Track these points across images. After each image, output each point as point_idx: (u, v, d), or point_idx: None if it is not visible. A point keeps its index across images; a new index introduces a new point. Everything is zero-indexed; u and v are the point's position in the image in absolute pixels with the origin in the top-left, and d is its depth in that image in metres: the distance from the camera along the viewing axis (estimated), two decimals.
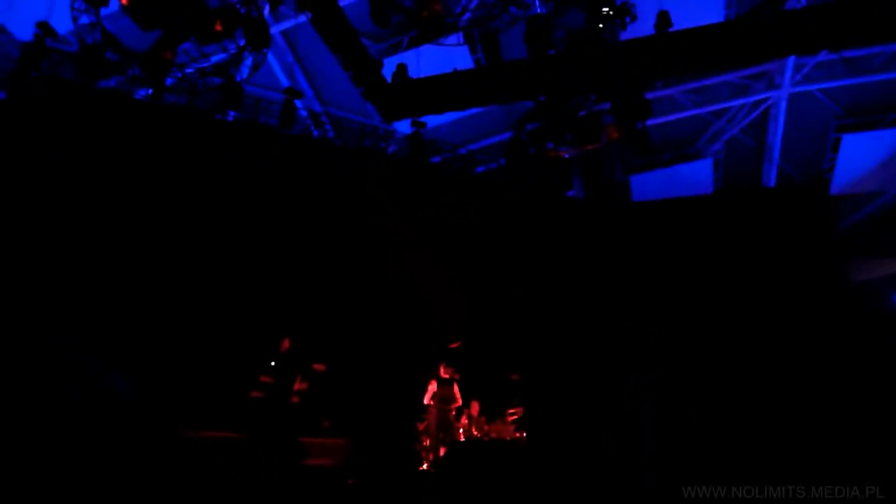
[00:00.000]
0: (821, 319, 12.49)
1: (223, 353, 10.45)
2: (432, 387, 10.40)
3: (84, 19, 11.39)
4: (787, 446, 7.45)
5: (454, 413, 10.38)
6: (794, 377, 11.45)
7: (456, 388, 10.53)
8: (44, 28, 11.63)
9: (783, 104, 15.46)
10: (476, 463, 8.66)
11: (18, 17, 13.07)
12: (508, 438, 10.67)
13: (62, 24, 12.06)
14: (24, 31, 12.63)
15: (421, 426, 10.41)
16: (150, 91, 12.04)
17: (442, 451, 9.81)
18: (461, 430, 10.34)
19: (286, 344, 10.46)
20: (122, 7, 11.05)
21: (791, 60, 14.53)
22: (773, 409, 9.72)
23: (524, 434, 10.89)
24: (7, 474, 6.62)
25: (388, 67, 12.10)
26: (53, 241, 10.39)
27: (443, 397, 10.33)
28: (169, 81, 12.19)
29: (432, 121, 13.95)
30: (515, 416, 11.15)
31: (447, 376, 10.49)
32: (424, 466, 10.04)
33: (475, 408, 10.75)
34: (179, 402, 9.22)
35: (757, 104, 15.63)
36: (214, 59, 12.86)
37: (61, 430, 7.66)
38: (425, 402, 10.38)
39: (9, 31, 13.46)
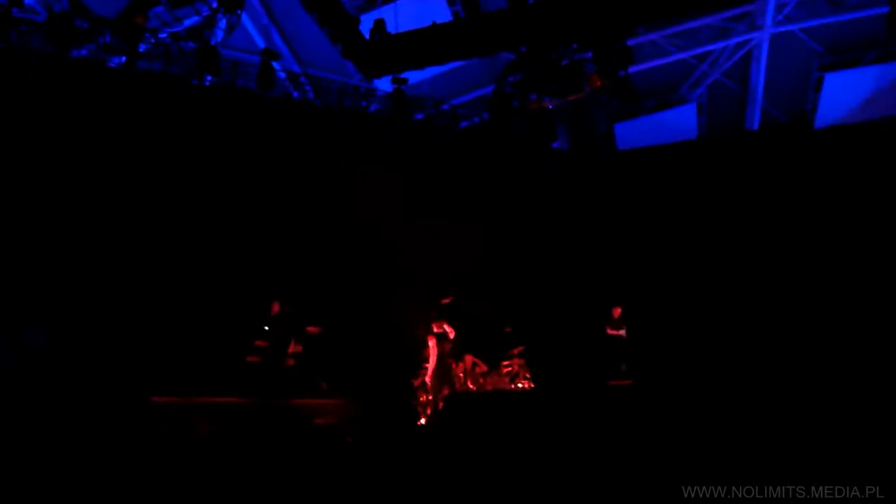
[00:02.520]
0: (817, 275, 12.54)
1: (216, 321, 10.47)
2: (432, 342, 10.50)
3: None
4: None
5: (452, 367, 10.50)
6: (790, 349, 11.49)
7: (451, 342, 10.64)
8: None
9: (765, 45, 15.33)
10: (473, 414, 8.79)
11: None
12: (503, 390, 10.83)
13: None
14: None
15: (416, 382, 10.53)
16: (124, 58, 11.78)
17: (440, 406, 9.95)
18: (457, 384, 10.48)
19: (276, 308, 10.50)
20: None
21: (772, 0, 14.37)
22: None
23: (519, 385, 11.05)
24: None
25: (366, 24, 11.86)
26: (30, 212, 10.28)
27: (441, 352, 10.44)
28: (142, 48, 11.91)
29: (413, 77, 13.73)
30: (509, 369, 11.29)
31: (442, 330, 10.58)
32: (422, 421, 10.20)
33: (468, 361, 10.87)
34: (175, 369, 9.27)
35: (739, 46, 15.50)
36: (188, 22, 12.55)
37: None
38: (426, 354, 10.50)
39: None
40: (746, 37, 15.24)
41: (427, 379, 10.43)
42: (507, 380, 11.15)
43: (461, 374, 10.65)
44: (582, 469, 7.11)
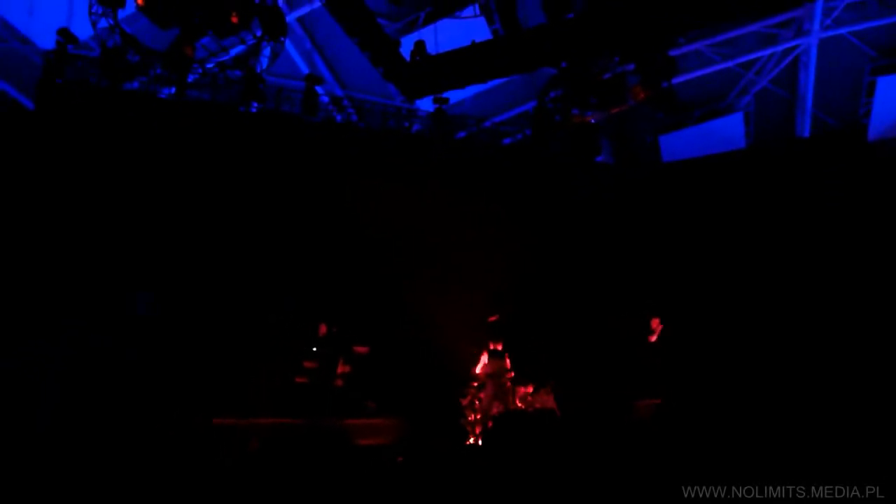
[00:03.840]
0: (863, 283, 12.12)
1: (265, 342, 10.61)
2: (484, 358, 10.42)
3: (103, 23, 11.52)
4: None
5: (508, 385, 10.38)
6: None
7: (507, 361, 10.53)
8: (65, 35, 11.76)
9: (813, 51, 14.97)
10: (522, 434, 8.67)
11: (39, 26, 13.29)
12: (551, 408, 10.64)
13: (82, 29, 12.21)
14: (45, 40, 12.84)
15: (464, 401, 10.44)
16: (174, 89, 12.16)
17: (489, 425, 9.84)
18: (508, 403, 10.35)
19: (324, 329, 10.58)
20: (139, 7, 11.15)
21: (820, 4, 14.03)
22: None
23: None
24: None
25: (406, 46, 12.02)
26: (89, 241, 10.61)
27: (495, 370, 10.33)
28: (191, 78, 12.29)
29: (454, 96, 13.84)
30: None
31: (498, 348, 10.49)
32: (471, 441, 10.10)
33: (530, 387, 10.72)
34: (227, 391, 9.41)
35: (786, 52, 15.16)
36: (234, 51, 12.91)
37: None
38: (478, 372, 10.42)
39: (31, 41, 13.69)
40: (794, 43, 14.91)
41: (477, 399, 10.33)
42: (553, 398, 10.96)
43: (511, 395, 10.51)
44: (621, 482, 7.02)
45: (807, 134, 15.89)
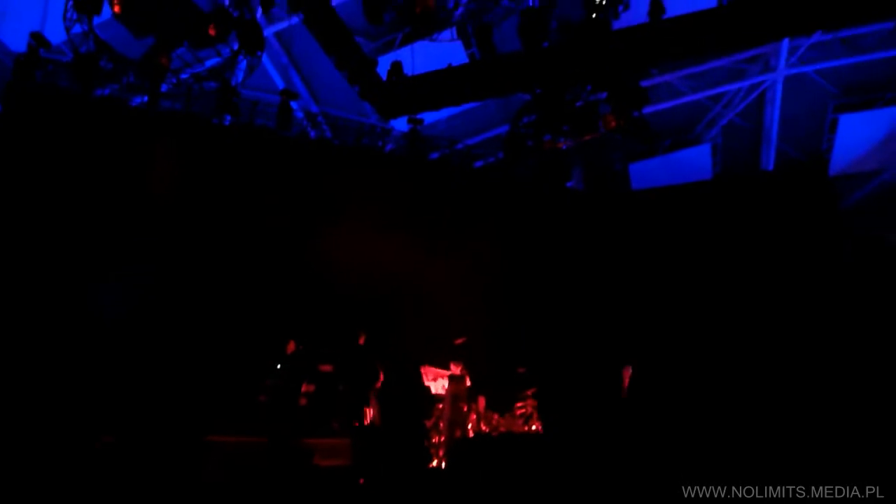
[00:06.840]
0: (825, 305, 12.43)
1: (229, 359, 10.49)
2: (444, 381, 10.45)
3: (77, 28, 11.37)
4: (787, 446, 7.49)
5: (465, 408, 10.40)
6: (797, 370, 11.37)
7: (467, 382, 10.56)
8: (37, 39, 11.60)
9: (779, 87, 15.42)
10: (486, 457, 8.69)
11: (11, 29, 13.07)
12: (517, 432, 10.70)
13: (55, 34, 12.04)
14: (17, 43, 12.62)
15: (429, 423, 10.44)
16: (146, 98, 12.04)
17: (452, 447, 9.85)
18: (470, 426, 10.37)
19: (291, 346, 10.50)
20: (115, 15, 11.04)
21: (785, 43, 14.47)
22: (774, 406, 9.68)
23: (533, 427, 10.93)
24: None
25: (383, 65, 12.07)
26: (54, 249, 10.42)
27: (454, 393, 10.35)
28: (164, 87, 12.18)
29: (429, 117, 13.91)
30: (523, 410, 11.18)
31: (458, 373, 10.51)
32: (435, 463, 10.09)
33: (482, 403, 10.77)
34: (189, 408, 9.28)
35: (753, 87, 15.59)
36: (209, 63, 12.83)
37: None
38: (438, 395, 10.43)
39: (2, 42, 13.45)
40: (760, 78, 15.34)
41: (441, 421, 10.34)
42: (520, 422, 11.03)
43: (474, 416, 10.54)
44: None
45: (771, 166, 16.32)
